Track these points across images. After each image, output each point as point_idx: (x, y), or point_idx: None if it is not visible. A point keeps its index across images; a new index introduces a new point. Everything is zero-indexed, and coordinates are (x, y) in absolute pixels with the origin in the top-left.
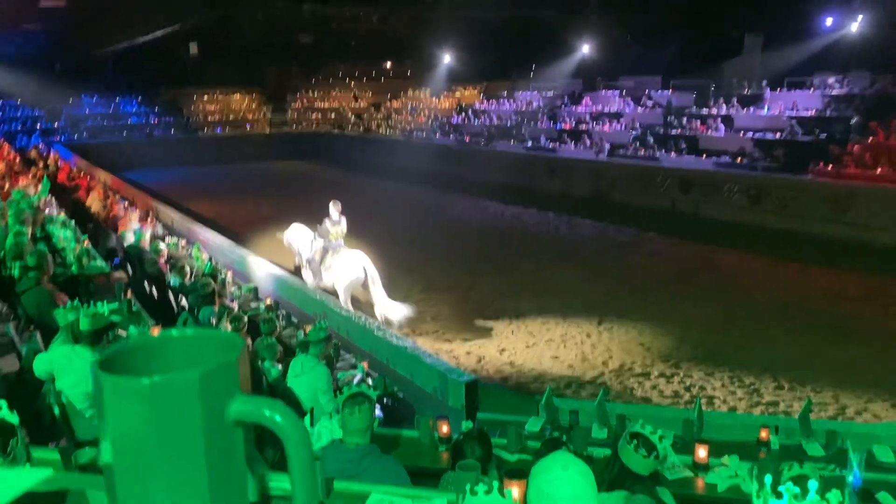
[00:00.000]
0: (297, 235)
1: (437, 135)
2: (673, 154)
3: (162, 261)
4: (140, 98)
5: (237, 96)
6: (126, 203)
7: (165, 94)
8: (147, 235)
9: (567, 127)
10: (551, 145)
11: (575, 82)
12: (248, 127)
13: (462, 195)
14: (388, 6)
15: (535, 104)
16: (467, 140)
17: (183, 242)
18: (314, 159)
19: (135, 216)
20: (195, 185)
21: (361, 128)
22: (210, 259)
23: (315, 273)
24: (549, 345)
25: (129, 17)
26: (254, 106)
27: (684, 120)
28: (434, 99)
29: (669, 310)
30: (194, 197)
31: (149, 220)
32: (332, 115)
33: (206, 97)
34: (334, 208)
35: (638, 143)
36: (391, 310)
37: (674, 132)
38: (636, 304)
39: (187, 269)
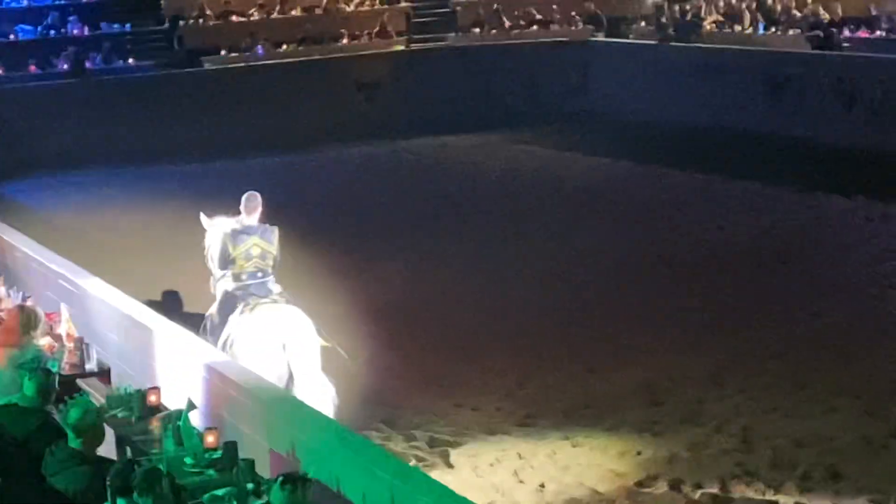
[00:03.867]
0: (215, 239)
1: None
2: None
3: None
4: None
5: None
6: None
7: None
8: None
9: None
10: None
11: None
12: (343, 39)
13: None
14: None
15: None
16: None
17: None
18: (545, 125)
19: (25, 320)
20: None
21: (671, 24)
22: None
23: (214, 340)
24: None
25: None
26: None
27: None
28: None
29: None
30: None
31: (64, 325)
32: None
33: None
34: (248, 205)
35: None
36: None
37: None
38: None
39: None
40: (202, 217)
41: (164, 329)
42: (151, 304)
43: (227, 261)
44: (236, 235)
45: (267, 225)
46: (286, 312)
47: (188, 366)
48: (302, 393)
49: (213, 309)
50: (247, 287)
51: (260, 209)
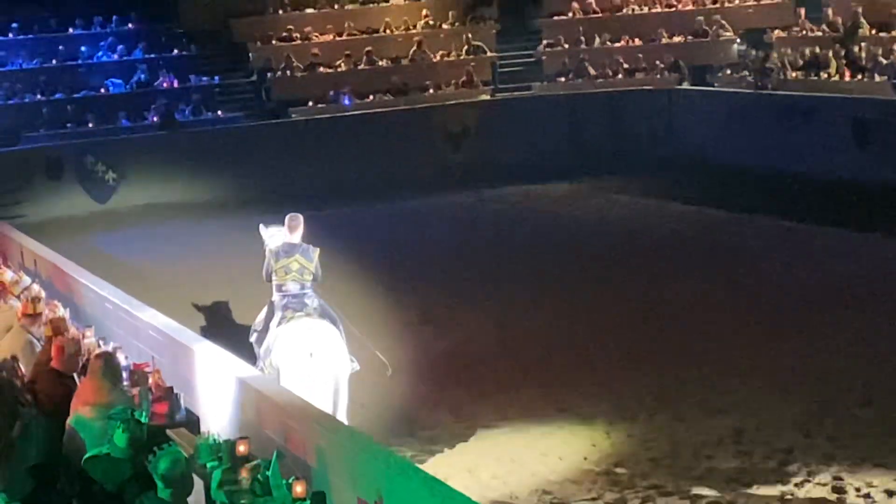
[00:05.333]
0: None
1: None
2: None
3: None
4: (133, 24)
5: (396, 3)
6: (83, 330)
7: (191, 8)
8: (146, 417)
9: None
10: None
11: None
12: (430, 89)
13: None
14: None
15: None
16: None
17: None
18: (631, 173)
19: (110, 369)
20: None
21: (760, 71)
22: None
23: (258, 348)
24: None
25: None
26: (442, 30)
27: None
28: None
29: None
30: None
31: (154, 375)
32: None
33: (307, 12)
34: (290, 224)
35: None
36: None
37: None
38: None
39: None
40: (261, 227)
41: (252, 378)
42: (238, 353)
43: (269, 274)
44: (279, 252)
45: (309, 245)
46: (318, 326)
47: (276, 415)
48: (325, 407)
49: (259, 316)
50: (288, 298)
51: (301, 228)
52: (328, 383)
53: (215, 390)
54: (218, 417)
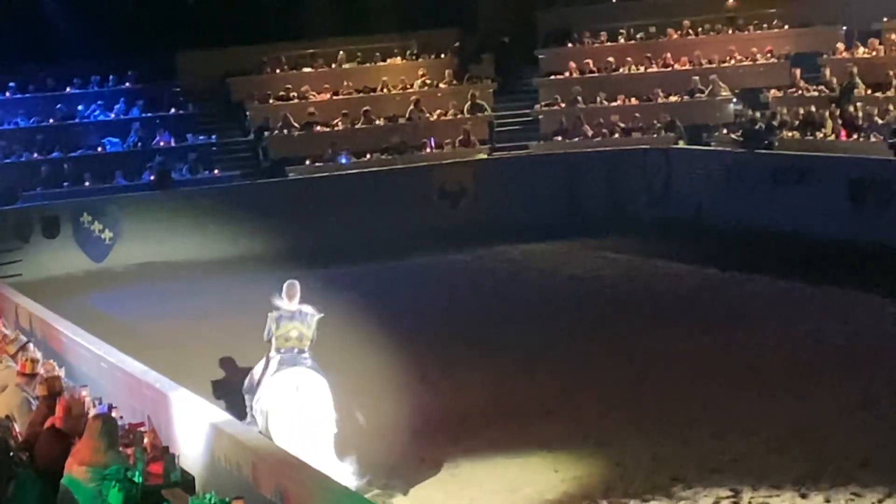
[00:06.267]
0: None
1: None
2: None
3: None
4: (131, 83)
5: (394, 62)
6: (79, 390)
7: (189, 67)
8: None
9: None
10: None
11: None
12: (428, 147)
13: None
14: None
15: None
16: None
17: None
18: (627, 232)
19: (105, 430)
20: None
21: (756, 131)
22: None
23: (250, 399)
24: None
25: None
26: (439, 89)
27: None
28: None
29: None
30: None
31: (149, 435)
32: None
33: (305, 71)
34: (288, 292)
35: None
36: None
37: None
38: None
39: None
40: (274, 298)
41: (251, 440)
42: (234, 410)
43: (270, 337)
44: (280, 319)
45: (309, 312)
46: (307, 371)
47: (272, 474)
48: (309, 454)
49: (256, 369)
50: (283, 356)
51: (298, 295)
52: (313, 420)
53: (210, 449)
54: (213, 476)
